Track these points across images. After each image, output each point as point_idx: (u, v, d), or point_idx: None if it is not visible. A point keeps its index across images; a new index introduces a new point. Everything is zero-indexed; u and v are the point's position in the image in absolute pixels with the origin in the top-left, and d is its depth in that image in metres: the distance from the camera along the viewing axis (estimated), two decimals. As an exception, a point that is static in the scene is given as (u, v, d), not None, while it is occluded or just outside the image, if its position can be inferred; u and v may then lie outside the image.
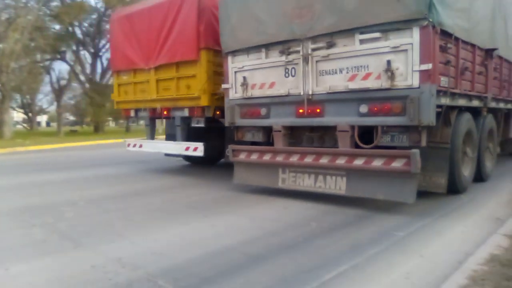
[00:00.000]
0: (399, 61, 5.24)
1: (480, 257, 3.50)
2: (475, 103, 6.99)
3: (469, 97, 6.63)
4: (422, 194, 6.85)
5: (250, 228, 4.93)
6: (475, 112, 7.23)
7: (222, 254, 3.99)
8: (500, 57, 8.05)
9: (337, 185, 5.93)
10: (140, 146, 10.01)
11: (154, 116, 9.68)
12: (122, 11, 10.49)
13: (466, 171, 6.84)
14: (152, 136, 10.14)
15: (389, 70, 5.26)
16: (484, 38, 7.05)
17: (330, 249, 4.12)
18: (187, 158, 11.22)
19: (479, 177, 7.54)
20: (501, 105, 8.50)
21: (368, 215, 5.52)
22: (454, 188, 6.44)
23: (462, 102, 6.36)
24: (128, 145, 10.35)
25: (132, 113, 10.20)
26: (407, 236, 4.54)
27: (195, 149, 8.45)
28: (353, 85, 5.64)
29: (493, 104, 7.78)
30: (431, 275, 3.39)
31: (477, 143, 7.26)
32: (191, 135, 9.03)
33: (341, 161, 5.79)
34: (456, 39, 5.79)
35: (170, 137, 10.01)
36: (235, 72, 7.11)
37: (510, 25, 8.59)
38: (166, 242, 4.41)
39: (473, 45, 6.53)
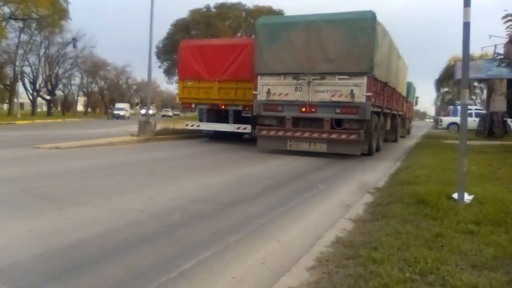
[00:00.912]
0: (357, 90, 10.95)
1: (327, 240, 3.80)
2: (379, 109, 12.66)
3: (379, 107, 12.40)
4: (286, 183, 7.25)
5: (109, 219, 4.64)
6: (378, 114, 12.93)
7: (76, 248, 3.68)
8: (390, 86, 14.07)
9: (322, 148, 11.52)
10: (198, 126, 16.35)
11: (211, 108, 15.76)
12: (191, 42, 18.85)
13: (374, 144, 12.55)
14: (207, 120, 16.09)
15: (352, 94, 10.93)
16: (385, 76, 12.75)
17: (192, 238, 4.09)
18: (213, 136, 17.03)
19: (378, 149, 13.26)
20: (388, 111, 14.50)
21: (232, 203, 5.65)
22: (370, 152, 12.06)
23: (376, 109, 12.20)
24: (187, 125, 16.89)
25: (193, 106, 16.49)
26: (267, 222, 4.73)
27: (245, 128, 15.01)
28: (333, 99, 11.23)
29: (386, 110, 13.89)
30: (285, 259, 3.57)
31: (379, 130, 13.21)
32: (237, 120, 15.40)
33: (324, 135, 11.42)
34: (377, 80, 11.66)
35: (211, 120, 16.07)
36: (262, 85, 12.07)
37: (394, 66, 15.09)
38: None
39: (382, 82, 12.43)
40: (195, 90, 15.57)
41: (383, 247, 3.39)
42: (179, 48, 16.47)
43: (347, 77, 10.95)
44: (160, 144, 15.48)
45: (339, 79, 11.05)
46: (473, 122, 26.39)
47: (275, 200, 5.98)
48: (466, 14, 4.88)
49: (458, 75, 25.99)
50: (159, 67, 52.19)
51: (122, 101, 64.59)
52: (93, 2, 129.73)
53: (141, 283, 3.05)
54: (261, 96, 12.00)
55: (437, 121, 41.51)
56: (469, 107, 29.78)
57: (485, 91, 52.76)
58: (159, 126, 18.12)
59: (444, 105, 65.90)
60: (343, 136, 11.13)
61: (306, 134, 11.55)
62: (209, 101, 15.45)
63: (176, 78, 53.85)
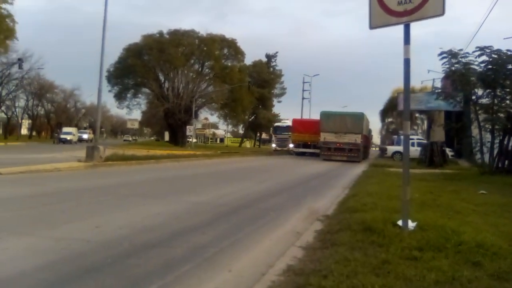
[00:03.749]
0: (357, 138, 30.52)
1: (278, 268, 3.83)
2: (363, 144, 33.45)
3: (364, 144, 34.19)
4: (238, 211, 7.24)
5: (52, 250, 4.41)
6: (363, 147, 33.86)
7: (15, 281, 3.47)
8: (366, 135, 36.07)
9: (343, 159, 29.79)
10: (294, 149, 38.27)
11: (303, 143, 37.30)
12: (298, 119, 43.13)
13: (361, 157, 32.05)
14: (297, 147, 37.78)
15: (355, 140, 30.45)
16: (365, 132, 34.94)
17: (140, 269, 3.97)
18: (298, 153, 36.93)
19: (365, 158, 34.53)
20: (365, 144, 37.23)
21: (183, 232, 5.56)
22: (360, 161, 30.42)
23: (363, 144, 32.49)
24: (289, 148, 40.70)
25: (297, 143, 37.70)
26: (219, 252, 4.69)
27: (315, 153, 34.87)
28: (348, 142, 30.45)
29: (365, 144, 36.17)
30: (236, 288, 3.55)
31: (362, 152, 32.41)
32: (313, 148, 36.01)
33: (345, 154, 30.38)
34: (363, 134, 32.08)
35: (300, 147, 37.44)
36: (323, 136, 31.06)
37: (366, 126, 35.70)
38: None
39: (364, 134, 32.61)
40: (298, 136, 36.89)
41: (333, 275, 3.46)
42: (293, 122, 40.15)
43: (353, 134, 29.86)
44: (109, 170, 15.01)
45: (349, 136, 29.91)
46: (415, 151, 27.86)
47: (227, 228, 5.95)
48: (406, 51, 5.24)
49: (401, 106, 27.72)
50: (110, 91, 51.19)
51: (70, 125, 62.33)
52: (42, 22, 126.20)
53: (86, 318, 2.91)
54: (322, 139, 31.11)
55: (382, 150, 43.43)
56: (411, 137, 31.74)
57: (425, 122, 56.02)
58: (108, 152, 17.60)
59: (388, 134, 69.03)
60: (352, 154, 30.11)
61: (337, 154, 30.40)
62: (303, 141, 36.96)
63: (127, 102, 53.43)
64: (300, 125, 37.23)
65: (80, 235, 5.10)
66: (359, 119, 31.10)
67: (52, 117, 67.70)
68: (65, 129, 54.79)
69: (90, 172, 13.82)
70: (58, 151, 25.92)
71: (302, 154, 35.69)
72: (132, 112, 56.05)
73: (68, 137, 50.79)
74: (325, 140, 30.48)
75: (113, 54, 50.77)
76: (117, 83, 51.48)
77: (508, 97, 15.77)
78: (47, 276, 3.66)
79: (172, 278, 3.74)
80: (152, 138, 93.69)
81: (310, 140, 35.19)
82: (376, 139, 72.35)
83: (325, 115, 31.46)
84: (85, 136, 58.70)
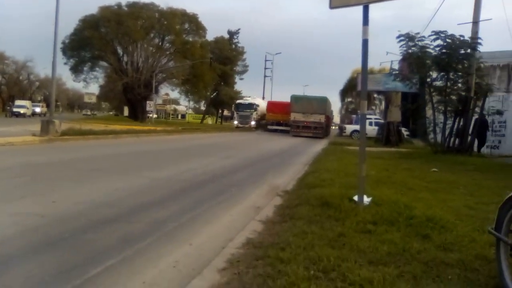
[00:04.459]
0: (322, 118, 36.02)
1: (238, 242, 3.90)
2: (326, 123, 40.35)
3: (326, 123, 39.95)
4: (200, 187, 7.25)
5: (6, 225, 4.27)
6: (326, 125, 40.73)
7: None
8: (328, 115, 42.75)
9: (308, 135, 34.35)
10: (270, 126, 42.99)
11: (277, 122, 42.28)
12: (272, 101, 47.21)
13: (324, 134, 36.96)
14: (272, 125, 42.19)
15: (320, 119, 35.77)
16: (329, 113, 43.53)
17: (99, 243, 3.93)
18: (271, 130, 40.69)
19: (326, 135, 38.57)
20: (327, 123, 43.06)
21: (143, 207, 5.52)
22: (323, 137, 34.94)
23: (326, 123, 39.10)
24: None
25: (271, 121, 42.91)
26: (179, 226, 4.71)
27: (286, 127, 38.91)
28: (315, 121, 35.55)
29: (327, 123, 42.91)
30: (197, 262, 3.59)
31: (325, 130, 38.47)
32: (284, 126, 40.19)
33: (311, 131, 35.07)
34: (326, 115, 39.18)
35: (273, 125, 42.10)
36: (293, 115, 36.19)
37: (329, 107, 44.42)
38: None
39: (326, 115, 39.51)
40: (272, 116, 42.06)
41: (290, 247, 3.57)
42: (268, 103, 46.29)
43: (318, 115, 35.34)
44: (65, 145, 14.53)
45: (316, 115, 35.33)
46: (372, 130, 28.68)
47: (188, 203, 5.96)
48: (365, 32, 5.34)
49: (360, 87, 28.04)
50: (65, 63, 49.05)
51: (23, 98, 59.38)
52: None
53: (42, 292, 2.87)
54: (292, 118, 35.88)
55: (341, 129, 44.53)
56: (369, 116, 32.59)
57: (383, 102, 57.57)
58: (64, 126, 16.98)
59: (348, 114, 70.55)
60: (317, 131, 35.00)
61: (305, 131, 34.76)
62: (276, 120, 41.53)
63: (83, 76, 51.42)
64: (274, 107, 42.54)
65: (35, 210, 4.95)
66: (323, 102, 37.02)
67: (4, 90, 64.34)
68: (17, 102, 52.34)
69: (46, 147, 13.31)
70: (11, 125, 24.74)
71: (275, 131, 39.88)
72: (89, 85, 54.26)
73: (22, 111, 48.56)
74: (295, 119, 35.43)
75: (69, 25, 48.54)
76: (73, 56, 49.32)
77: (460, 81, 16.43)
78: (0, 251, 3.55)
79: (131, 252, 3.73)
80: (111, 113, 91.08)
81: (282, 119, 39.99)
82: (336, 118, 73.96)
83: (295, 98, 37.02)
84: (37, 109, 55.98)
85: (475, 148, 17.20)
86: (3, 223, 4.37)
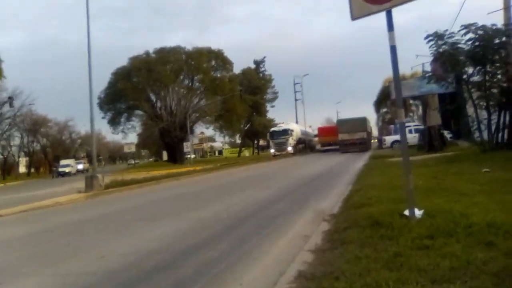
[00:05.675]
0: (364, 135, 43.39)
1: (290, 275, 3.74)
2: (368, 137, 48.79)
3: (368, 138, 47.76)
4: (244, 222, 7.15)
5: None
6: (368, 140, 48.93)
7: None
8: (368, 131, 49.99)
9: (355, 150, 39.32)
10: (326, 148, 51.79)
11: (328, 143, 50.71)
12: (321, 127, 59.07)
13: (369, 148, 44.60)
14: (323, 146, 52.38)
15: (363, 136, 42.87)
16: (369, 129, 51.95)
17: (150, 294, 3.88)
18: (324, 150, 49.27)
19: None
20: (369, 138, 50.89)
21: (190, 250, 5.46)
22: (367, 150, 39.90)
23: (368, 138, 46.86)
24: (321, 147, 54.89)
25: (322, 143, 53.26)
26: (229, 266, 4.60)
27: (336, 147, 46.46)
28: (358, 137, 42.17)
29: (369, 138, 50.86)
30: (249, 302, 3.46)
31: (369, 144, 47.41)
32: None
33: (357, 147, 40.92)
34: (368, 131, 46.24)
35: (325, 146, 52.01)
36: (341, 136, 42.60)
37: (368, 124, 53.05)
38: None
39: (368, 131, 47.53)
40: (322, 138, 52.51)
41: (345, 276, 3.38)
42: (318, 129, 57.52)
43: (361, 132, 41.93)
44: (110, 197, 14.92)
45: (359, 132, 41.77)
46: (413, 138, 27.81)
47: (234, 241, 5.85)
48: (391, 38, 5.19)
49: (393, 95, 27.40)
50: (103, 118, 51.25)
51: (67, 157, 62.14)
52: (27, 58, 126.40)
53: None
54: (340, 138, 42.16)
55: (380, 141, 43.71)
56: (407, 124, 31.69)
57: (420, 107, 56.02)
58: (107, 179, 17.50)
59: (385, 124, 69.02)
60: (362, 146, 41.00)
61: (352, 147, 40.25)
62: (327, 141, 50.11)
63: (121, 127, 53.39)
64: (323, 131, 53.02)
65: (85, 268, 5.01)
66: (363, 121, 44.29)
67: (49, 152, 67.51)
68: (62, 162, 54.63)
69: (91, 202, 13.71)
70: (58, 185, 25.82)
71: (326, 151, 47.31)
72: (128, 135, 55.97)
73: (67, 170, 50.68)
74: (342, 139, 41.83)
75: (103, 80, 50.93)
76: (109, 109, 51.54)
77: (499, 72, 15.74)
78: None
79: (182, 299, 3.65)
80: (151, 159, 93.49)
81: (330, 140, 47.84)
82: (375, 131, 72.82)
83: (340, 122, 46.62)
84: (80, 166, 58.15)
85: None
86: (57, 286, 4.41)
